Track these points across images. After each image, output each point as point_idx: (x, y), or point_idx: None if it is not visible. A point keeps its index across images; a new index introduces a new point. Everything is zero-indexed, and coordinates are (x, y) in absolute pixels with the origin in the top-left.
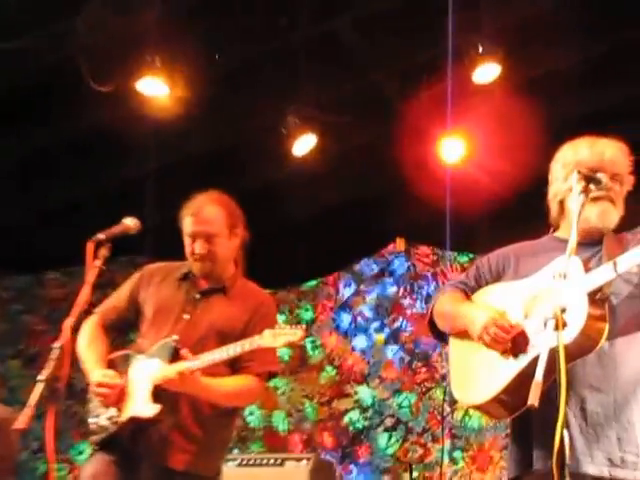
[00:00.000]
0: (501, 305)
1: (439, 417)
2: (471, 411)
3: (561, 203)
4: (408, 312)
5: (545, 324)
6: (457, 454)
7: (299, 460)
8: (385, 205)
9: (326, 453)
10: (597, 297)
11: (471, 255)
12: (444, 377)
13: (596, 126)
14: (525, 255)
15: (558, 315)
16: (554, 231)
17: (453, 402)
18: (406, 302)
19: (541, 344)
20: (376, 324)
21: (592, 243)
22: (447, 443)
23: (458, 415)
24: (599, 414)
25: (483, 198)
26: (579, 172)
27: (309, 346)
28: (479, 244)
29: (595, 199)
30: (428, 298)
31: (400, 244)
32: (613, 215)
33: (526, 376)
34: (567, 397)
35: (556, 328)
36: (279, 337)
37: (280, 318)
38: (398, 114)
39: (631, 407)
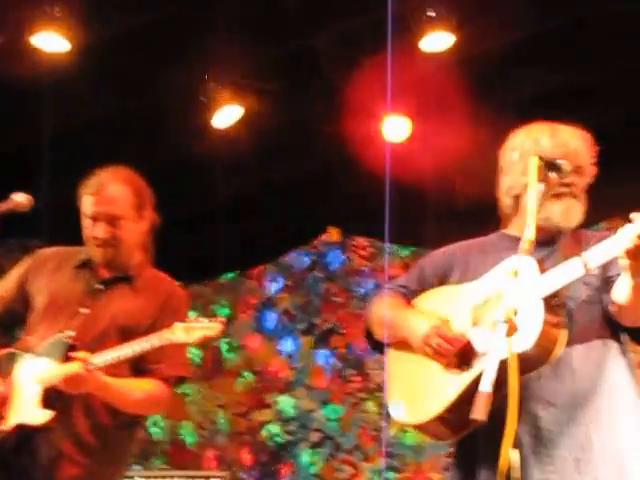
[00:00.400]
0: (447, 311)
1: (372, 432)
2: (408, 427)
3: (517, 198)
4: (341, 312)
5: (495, 329)
6: (391, 475)
7: (208, 478)
8: (318, 189)
9: (242, 471)
10: (553, 302)
11: (414, 248)
12: (380, 387)
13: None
14: (473, 254)
15: (510, 318)
16: (504, 227)
17: (387, 416)
18: (339, 300)
19: (491, 351)
20: (304, 325)
21: (546, 242)
22: (380, 462)
23: (393, 431)
24: (553, 432)
25: (429, 183)
26: (540, 158)
27: (225, 348)
28: (424, 236)
29: (558, 196)
30: (365, 296)
31: (334, 234)
32: (577, 212)
33: (473, 393)
34: (519, 414)
35: (508, 334)
36: (193, 331)
37: (191, 315)
38: (335, 86)
39: (590, 424)
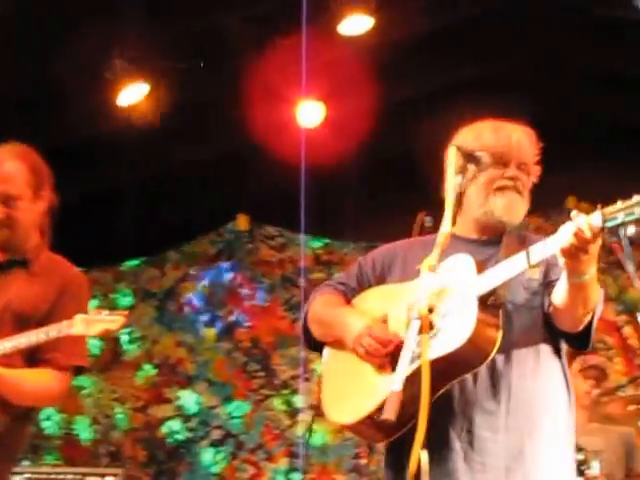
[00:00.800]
0: (384, 311)
1: (277, 431)
2: (315, 426)
3: (459, 196)
4: (247, 304)
5: (408, 325)
6: (295, 476)
7: (103, 476)
8: (227, 174)
9: (137, 469)
10: (489, 302)
11: (327, 240)
12: (286, 384)
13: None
14: (414, 252)
15: (423, 315)
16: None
17: (292, 414)
18: (245, 292)
19: (404, 350)
20: (207, 316)
21: (493, 241)
22: (284, 462)
23: (298, 430)
24: (488, 439)
25: (345, 172)
26: (458, 149)
27: (125, 339)
28: (338, 228)
29: (501, 189)
30: (271, 288)
31: (243, 222)
32: (520, 208)
33: (405, 395)
34: (453, 418)
35: (421, 331)
36: (94, 324)
37: (92, 303)
38: (247, 67)
39: (524, 434)
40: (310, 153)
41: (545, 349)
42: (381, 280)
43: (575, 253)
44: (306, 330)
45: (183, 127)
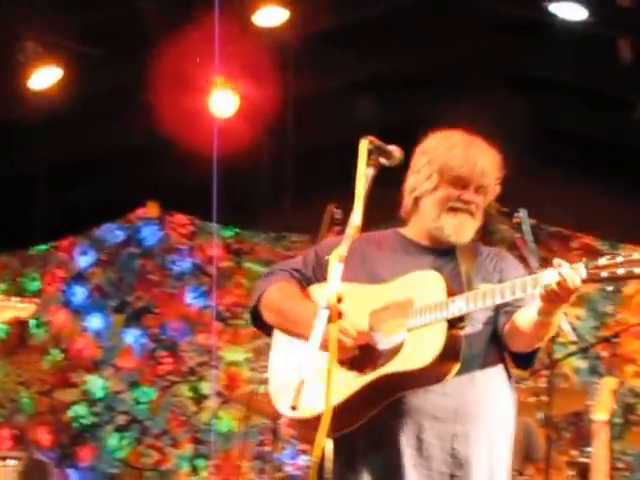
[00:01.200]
0: (345, 310)
1: (182, 417)
2: (221, 413)
3: (416, 200)
4: (156, 290)
5: (317, 315)
6: (200, 462)
7: (5, 459)
8: (138, 161)
9: (40, 452)
10: (457, 326)
11: (237, 230)
12: (193, 371)
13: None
14: (370, 249)
15: (332, 304)
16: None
17: (199, 401)
18: (154, 278)
19: (313, 337)
20: (115, 302)
21: (443, 251)
22: (189, 448)
23: (204, 417)
24: (435, 446)
25: (258, 161)
26: (370, 142)
27: (33, 323)
28: (249, 218)
29: (454, 210)
30: (181, 275)
31: (152, 209)
32: (469, 229)
33: (367, 395)
34: (404, 424)
35: (329, 320)
36: (4, 311)
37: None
38: (161, 53)
39: (470, 443)
40: (222, 142)
41: (492, 359)
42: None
43: (555, 299)
44: (256, 310)
45: (95, 113)
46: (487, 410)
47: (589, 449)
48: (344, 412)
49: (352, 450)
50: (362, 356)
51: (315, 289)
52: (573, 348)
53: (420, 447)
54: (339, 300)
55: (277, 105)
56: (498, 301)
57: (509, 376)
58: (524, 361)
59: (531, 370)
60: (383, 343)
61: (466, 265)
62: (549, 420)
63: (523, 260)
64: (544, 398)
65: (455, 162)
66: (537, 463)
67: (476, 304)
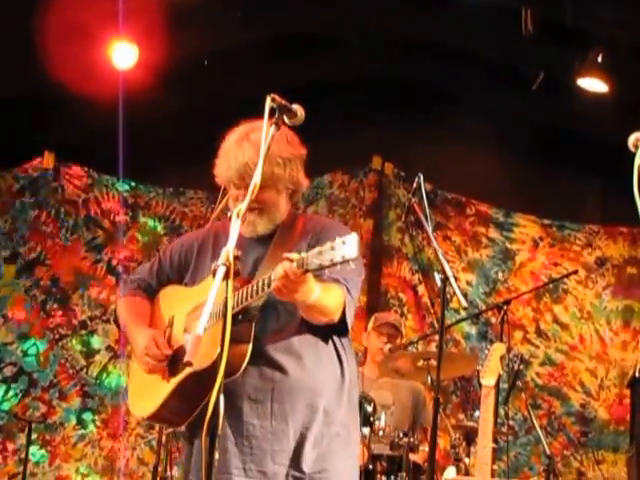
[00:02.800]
0: (173, 314)
1: (71, 371)
2: (110, 368)
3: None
4: (49, 242)
5: (213, 273)
6: (87, 416)
7: None
8: (34, 110)
9: None
10: (240, 318)
11: (133, 183)
12: (84, 324)
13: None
14: (205, 247)
15: (229, 261)
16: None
17: (89, 355)
18: (48, 230)
19: (210, 294)
20: (7, 252)
21: (261, 239)
22: (77, 402)
23: (94, 371)
24: (255, 426)
25: (158, 115)
26: (273, 99)
27: None
28: (145, 172)
29: (250, 210)
30: (75, 228)
31: (48, 160)
32: (261, 226)
33: (184, 390)
34: (225, 408)
35: (226, 277)
36: None
37: None
38: (61, 3)
39: (287, 417)
40: (122, 95)
41: (312, 339)
42: (180, 274)
43: (286, 293)
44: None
45: None
46: (307, 387)
47: (476, 413)
48: (168, 412)
49: (197, 428)
50: (177, 359)
51: (166, 291)
52: (463, 314)
53: (241, 429)
54: (236, 258)
55: (176, 58)
56: (254, 297)
57: (338, 351)
58: (338, 329)
59: (421, 334)
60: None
61: (279, 250)
62: (438, 384)
63: (419, 224)
64: (433, 362)
65: (218, 170)
66: (425, 426)
67: (252, 297)
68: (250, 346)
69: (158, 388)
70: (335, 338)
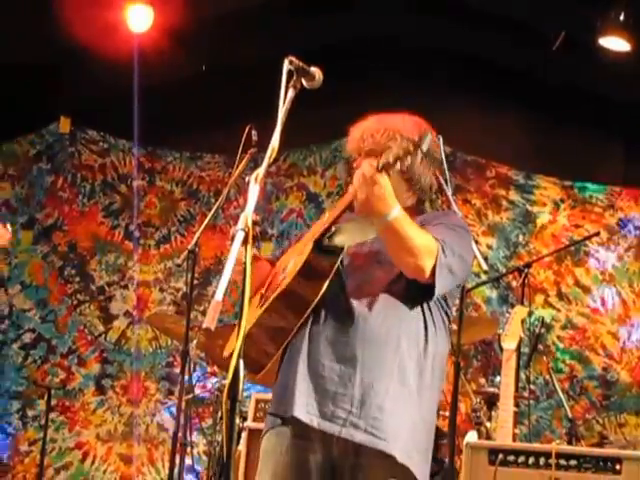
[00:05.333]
0: (277, 266)
1: (90, 337)
2: (129, 333)
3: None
4: (66, 208)
5: (232, 238)
6: (106, 382)
7: None
8: (50, 74)
9: None
10: (323, 247)
11: (150, 148)
12: (102, 289)
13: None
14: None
15: (248, 226)
16: None
17: (107, 321)
18: (65, 195)
19: (230, 259)
20: (24, 218)
21: None
22: (96, 368)
23: (113, 337)
24: (325, 366)
25: (173, 79)
26: (291, 62)
27: None
28: (163, 136)
29: None
30: (92, 193)
31: (64, 125)
32: None
33: (265, 323)
34: (305, 345)
35: (245, 242)
36: None
37: None
38: None
39: (357, 365)
40: (138, 59)
41: (397, 301)
42: None
43: (362, 197)
44: None
45: (7, 24)
46: (384, 339)
47: (497, 378)
48: (254, 341)
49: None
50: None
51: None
52: (484, 277)
53: (311, 366)
54: (255, 222)
55: (194, 22)
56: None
57: (426, 321)
58: (423, 290)
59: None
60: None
61: None
62: (459, 348)
63: (438, 187)
64: (454, 326)
65: (348, 144)
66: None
67: (344, 238)
68: (327, 282)
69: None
70: (425, 309)
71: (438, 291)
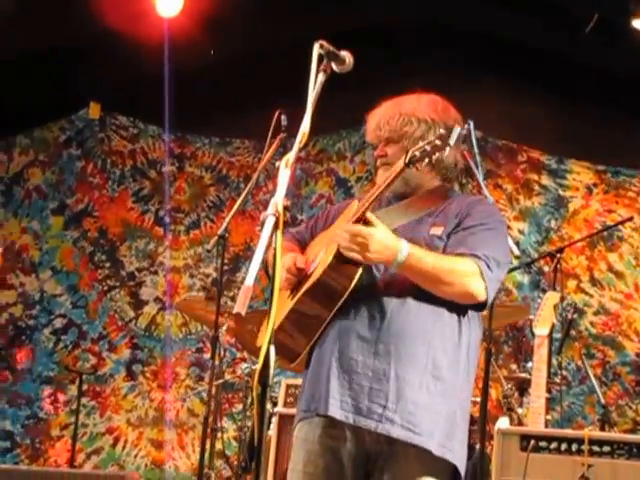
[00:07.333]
0: (309, 254)
1: (120, 323)
2: (159, 319)
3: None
4: (96, 193)
5: (262, 224)
6: (136, 367)
7: None
8: (80, 60)
9: None
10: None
11: (179, 133)
12: (132, 275)
13: None
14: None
15: (278, 211)
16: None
17: (137, 307)
18: (95, 181)
19: (260, 244)
20: (55, 204)
21: (399, 197)
22: (126, 354)
23: (143, 323)
24: (358, 362)
25: (202, 64)
26: (321, 46)
27: None
28: (192, 121)
29: (377, 168)
30: (122, 179)
31: (94, 110)
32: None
33: (298, 313)
34: (335, 342)
35: (275, 227)
36: None
37: None
38: None
39: (391, 359)
40: (168, 43)
41: (430, 294)
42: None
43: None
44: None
45: (38, 10)
46: (414, 333)
47: (529, 364)
48: (284, 336)
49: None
50: (302, 283)
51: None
52: (516, 262)
53: (344, 362)
54: (285, 207)
55: (224, 6)
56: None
57: (460, 314)
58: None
59: None
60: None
61: (416, 207)
62: (490, 334)
63: (469, 172)
64: (485, 312)
65: (367, 134)
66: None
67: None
68: (358, 274)
69: (279, 314)
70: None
71: (490, 303)
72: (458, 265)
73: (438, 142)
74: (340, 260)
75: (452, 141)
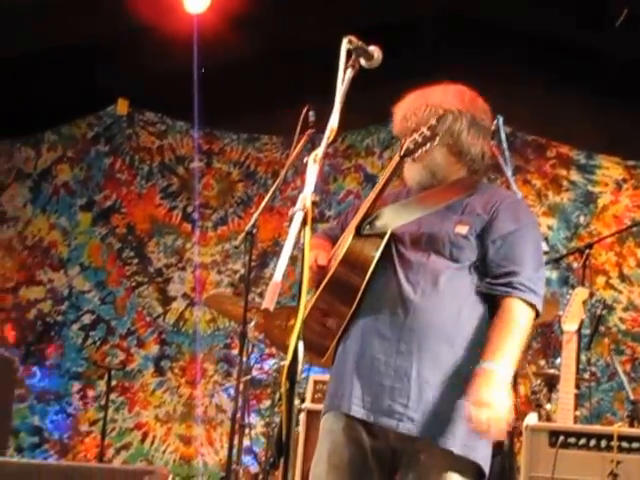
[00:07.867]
0: (335, 250)
1: (148, 318)
2: (187, 314)
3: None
4: (124, 190)
5: (290, 219)
6: (165, 363)
7: None
8: (108, 56)
9: (6, 349)
10: (364, 231)
11: (207, 129)
12: (160, 271)
13: None
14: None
15: (307, 207)
16: None
17: (165, 302)
18: (123, 177)
19: (289, 239)
20: (83, 200)
21: (426, 187)
22: (155, 349)
23: (171, 318)
24: (380, 361)
25: (232, 60)
26: (350, 41)
27: None
28: (220, 118)
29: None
30: (150, 175)
31: (122, 107)
32: (412, 172)
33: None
34: (357, 342)
35: (304, 222)
36: None
37: None
38: None
39: (413, 358)
40: (197, 40)
41: (460, 291)
42: None
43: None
44: None
45: (67, 6)
46: (438, 333)
47: (557, 360)
48: (312, 326)
49: (345, 364)
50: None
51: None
52: (544, 258)
53: (365, 361)
54: (314, 203)
55: (252, 3)
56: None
57: (485, 310)
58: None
59: None
60: None
61: (429, 199)
62: None
63: (498, 167)
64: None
65: (394, 127)
66: None
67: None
68: (371, 268)
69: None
70: (487, 295)
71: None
72: (514, 324)
73: (427, 132)
74: (352, 257)
75: (441, 130)
